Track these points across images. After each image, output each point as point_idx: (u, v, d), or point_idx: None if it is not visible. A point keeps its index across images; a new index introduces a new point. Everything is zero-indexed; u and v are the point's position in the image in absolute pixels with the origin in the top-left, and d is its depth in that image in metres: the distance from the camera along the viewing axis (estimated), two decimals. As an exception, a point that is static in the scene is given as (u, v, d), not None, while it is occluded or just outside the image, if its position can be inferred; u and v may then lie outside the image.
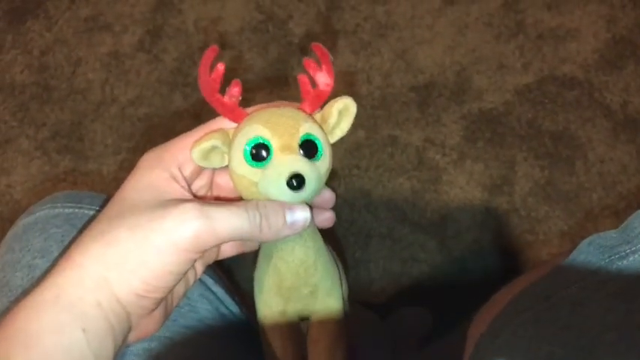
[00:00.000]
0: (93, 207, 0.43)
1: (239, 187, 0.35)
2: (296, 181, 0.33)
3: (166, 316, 0.38)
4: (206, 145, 0.34)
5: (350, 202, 0.86)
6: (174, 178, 0.35)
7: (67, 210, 0.42)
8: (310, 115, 0.36)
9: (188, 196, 0.35)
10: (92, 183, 0.91)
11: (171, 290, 0.34)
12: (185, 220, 0.31)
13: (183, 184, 0.35)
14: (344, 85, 0.92)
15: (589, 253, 0.38)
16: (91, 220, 0.41)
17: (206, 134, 0.34)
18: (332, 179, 0.86)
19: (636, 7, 0.94)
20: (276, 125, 0.34)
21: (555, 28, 0.94)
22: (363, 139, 0.89)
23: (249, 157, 0.33)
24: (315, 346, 0.40)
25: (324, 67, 0.35)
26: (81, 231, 0.38)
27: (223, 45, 0.97)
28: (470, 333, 0.57)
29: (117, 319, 0.32)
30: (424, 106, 0.91)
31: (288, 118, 0.34)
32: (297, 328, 0.40)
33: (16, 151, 0.94)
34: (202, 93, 0.34)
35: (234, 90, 0.34)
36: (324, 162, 0.35)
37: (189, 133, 0.36)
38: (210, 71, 0.34)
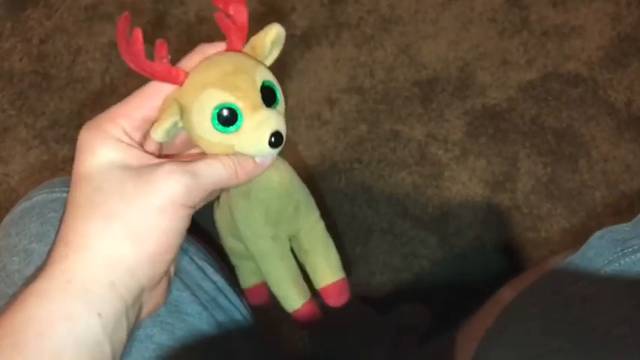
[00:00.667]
0: None
1: (210, 151, 0.35)
2: (276, 139, 0.34)
3: (169, 284, 0.38)
4: (168, 124, 0.33)
5: (351, 196, 0.85)
6: (128, 144, 0.34)
7: (64, 194, 0.41)
8: (251, 57, 0.35)
9: (155, 158, 0.35)
10: (90, 173, 0.90)
11: (179, 249, 0.35)
12: (174, 179, 0.32)
13: (140, 147, 0.35)
14: (347, 79, 0.92)
15: (600, 246, 0.37)
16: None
17: (160, 112, 0.34)
18: (333, 174, 0.86)
19: (641, 5, 0.94)
20: (235, 85, 0.34)
21: (560, 24, 0.94)
22: (365, 134, 0.89)
23: (219, 125, 0.34)
24: (310, 255, 0.42)
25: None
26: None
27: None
28: (467, 330, 0.56)
29: (131, 296, 0.32)
30: (427, 101, 0.91)
31: (241, 70, 0.34)
32: (290, 248, 0.42)
33: (14, 139, 0.93)
34: (129, 64, 0.33)
35: (162, 51, 0.34)
36: (282, 103, 0.36)
37: (125, 100, 0.36)
38: (129, 39, 0.32)
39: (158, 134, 0.33)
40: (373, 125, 0.89)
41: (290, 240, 0.42)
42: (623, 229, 0.38)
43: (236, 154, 0.35)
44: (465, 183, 0.86)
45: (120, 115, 0.35)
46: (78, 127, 1.02)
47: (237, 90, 0.34)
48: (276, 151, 0.35)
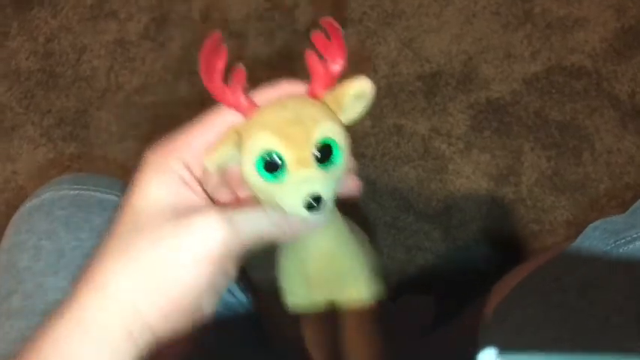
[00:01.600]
0: (98, 188, 0.43)
1: (253, 192, 0.33)
2: (313, 203, 0.30)
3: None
4: (221, 154, 0.31)
5: (355, 191, 0.86)
6: (185, 180, 0.32)
7: (72, 192, 0.42)
8: (322, 103, 0.33)
9: (203, 200, 0.33)
10: (97, 170, 0.91)
11: (213, 306, 0.32)
12: (211, 230, 0.30)
13: (196, 186, 0.33)
14: (350, 74, 0.92)
15: (595, 238, 0.38)
16: (98, 201, 0.41)
17: (218, 141, 0.32)
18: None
19: (646, -4, 0.94)
20: (287, 133, 0.31)
21: (564, 17, 0.93)
22: (369, 128, 0.89)
23: (262, 169, 0.31)
24: (348, 332, 0.38)
25: (334, 42, 0.32)
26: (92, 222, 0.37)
27: (229, 33, 0.97)
28: (471, 320, 0.56)
29: (148, 346, 0.30)
30: (431, 95, 0.91)
31: (299, 122, 0.31)
32: (328, 317, 0.38)
33: (21, 137, 0.94)
34: (205, 83, 0.32)
35: (238, 78, 0.32)
36: (342, 165, 0.32)
37: (194, 126, 0.33)
38: (213, 59, 0.31)
39: (209, 163, 0.31)
40: (377, 120, 0.90)
41: (330, 306, 0.39)
42: (616, 220, 0.38)
43: (278, 206, 0.32)
44: (469, 176, 0.86)
45: (183, 144, 0.33)
46: (84, 125, 1.03)
47: (288, 139, 0.31)
48: (316, 215, 0.31)
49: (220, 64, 0.31)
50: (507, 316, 0.40)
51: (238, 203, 0.34)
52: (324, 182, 0.31)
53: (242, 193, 0.36)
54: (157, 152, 0.33)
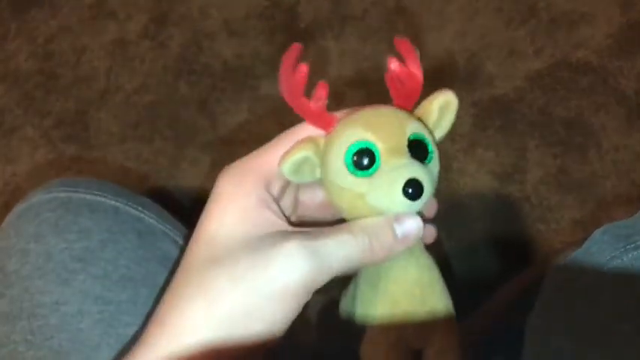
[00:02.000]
0: (89, 191, 0.42)
1: (340, 202, 0.31)
2: (413, 189, 0.28)
3: None
4: (298, 156, 0.30)
5: (357, 190, 0.85)
6: (265, 203, 0.30)
7: (62, 194, 0.41)
8: (411, 112, 0.31)
9: (284, 225, 0.30)
10: (97, 171, 0.90)
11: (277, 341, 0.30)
12: (293, 264, 0.28)
13: (275, 207, 0.31)
14: (352, 72, 0.91)
15: (603, 242, 0.36)
16: (88, 204, 0.40)
17: (295, 145, 0.31)
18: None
19: (652, -10, 0.92)
20: (379, 126, 0.30)
21: (568, 12, 0.92)
22: (371, 127, 0.88)
23: (352, 166, 0.29)
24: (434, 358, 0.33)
25: (410, 63, 0.31)
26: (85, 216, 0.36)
27: (229, 32, 0.96)
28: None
29: None
30: (434, 92, 0.90)
31: (390, 117, 0.30)
32: (408, 344, 0.34)
33: (21, 139, 0.93)
34: (285, 97, 0.30)
35: (321, 93, 0.30)
36: (435, 164, 0.31)
37: (270, 145, 0.32)
38: (293, 72, 0.30)
39: (285, 166, 0.30)
40: (379, 118, 0.89)
41: (415, 349, 0.34)
42: (626, 224, 0.37)
43: (367, 211, 0.30)
44: (473, 175, 0.85)
45: (260, 164, 0.31)
46: (84, 126, 1.03)
47: (380, 130, 0.29)
48: (414, 205, 0.29)
49: (302, 78, 0.30)
50: (512, 326, 0.39)
51: (320, 227, 0.31)
52: (422, 169, 0.29)
53: (320, 213, 0.35)
54: (231, 174, 0.31)
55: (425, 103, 0.32)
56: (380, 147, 0.29)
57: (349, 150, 0.29)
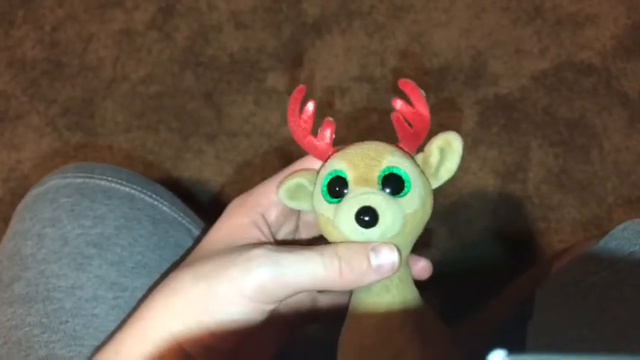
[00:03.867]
0: (104, 177, 0.42)
1: (319, 227, 0.32)
2: (365, 217, 0.28)
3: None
4: (291, 183, 0.32)
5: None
6: (255, 224, 0.32)
7: (77, 180, 0.42)
8: (402, 149, 0.32)
9: (267, 241, 0.32)
10: (102, 160, 0.90)
11: (242, 341, 0.31)
12: (250, 267, 0.29)
13: (265, 229, 0.33)
14: (358, 68, 0.91)
15: (623, 238, 0.37)
16: (103, 190, 0.41)
17: (291, 174, 0.33)
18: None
19: (657, -7, 0.93)
20: (355, 157, 0.31)
21: (574, 13, 0.93)
22: (376, 123, 0.88)
23: (326, 193, 0.30)
24: None
25: (416, 104, 0.32)
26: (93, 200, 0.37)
27: (236, 24, 0.96)
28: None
29: None
30: (438, 90, 0.90)
31: (370, 150, 0.31)
32: None
33: (26, 126, 0.94)
34: (293, 135, 0.32)
35: (327, 132, 0.32)
36: (411, 199, 0.30)
37: (273, 177, 0.34)
38: (299, 113, 0.32)
39: (280, 191, 0.32)
40: (384, 114, 0.89)
41: None
42: None
43: (337, 237, 0.30)
44: (476, 173, 0.85)
45: (262, 193, 0.34)
46: (89, 115, 1.03)
47: (354, 161, 0.30)
48: (369, 233, 0.29)
49: (309, 118, 0.32)
50: (525, 318, 0.39)
51: (299, 245, 0.33)
52: (383, 197, 0.29)
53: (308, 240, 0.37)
54: (237, 200, 0.34)
55: (427, 145, 0.32)
56: (350, 176, 0.30)
57: (325, 178, 0.31)
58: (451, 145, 0.32)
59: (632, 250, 0.36)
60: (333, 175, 0.31)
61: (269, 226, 0.34)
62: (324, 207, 0.31)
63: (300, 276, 0.29)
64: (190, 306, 0.30)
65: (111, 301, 0.38)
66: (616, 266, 0.36)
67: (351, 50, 0.93)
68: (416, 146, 0.33)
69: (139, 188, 0.42)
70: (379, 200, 0.29)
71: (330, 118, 0.33)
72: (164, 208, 0.43)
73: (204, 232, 0.47)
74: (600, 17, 0.92)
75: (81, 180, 0.41)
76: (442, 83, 0.90)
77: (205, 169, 0.89)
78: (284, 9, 0.96)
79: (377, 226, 0.29)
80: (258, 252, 0.30)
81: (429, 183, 0.33)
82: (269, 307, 0.31)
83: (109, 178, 0.42)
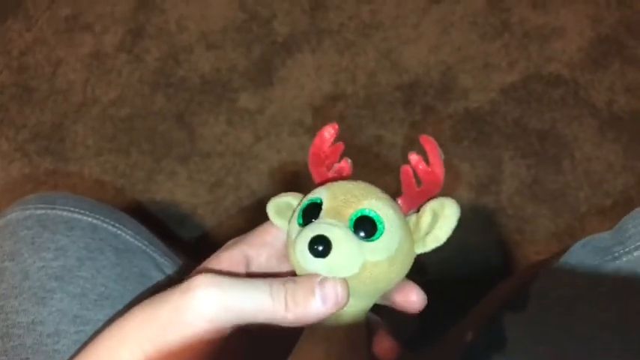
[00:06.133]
0: (66, 207, 0.42)
1: (286, 249, 0.32)
2: (318, 246, 0.27)
3: None
4: (281, 200, 0.32)
5: (335, 202, 0.85)
6: (241, 261, 0.32)
7: (38, 211, 0.41)
8: (397, 202, 0.31)
9: (239, 272, 0.32)
10: (73, 185, 0.89)
11: (211, 356, 0.31)
12: (189, 289, 0.28)
13: (253, 268, 0.33)
14: (329, 85, 0.91)
15: (583, 254, 0.37)
16: (65, 221, 0.40)
17: (284, 194, 0.33)
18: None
19: (621, 5, 0.94)
20: (339, 190, 0.30)
21: (541, 26, 0.94)
22: (348, 139, 0.88)
23: (301, 217, 0.30)
24: None
25: (432, 162, 0.31)
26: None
27: (207, 45, 0.96)
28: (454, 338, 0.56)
29: None
30: (409, 105, 0.91)
31: (358, 188, 0.30)
32: None
33: (-5, 153, 0.92)
34: (309, 160, 0.32)
35: (342, 167, 0.33)
36: (378, 249, 0.29)
37: (263, 227, 0.35)
38: (328, 144, 0.32)
39: (269, 207, 0.32)
40: (356, 131, 0.89)
41: None
42: (604, 237, 0.38)
43: (295, 263, 0.30)
44: (449, 186, 0.85)
45: (249, 238, 0.34)
46: (60, 139, 1.01)
47: (335, 193, 0.30)
48: (321, 263, 0.28)
49: (333, 154, 0.32)
50: (493, 335, 0.39)
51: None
52: (344, 236, 0.28)
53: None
54: (237, 238, 0.34)
55: (424, 204, 0.31)
56: (325, 206, 0.29)
57: (305, 202, 0.30)
58: (444, 209, 0.30)
59: (592, 265, 0.37)
60: (311, 202, 0.30)
61: (257, 266, 0.33)
62: (294, 229, 0.30)
63: (244, 301, 0.28)
64: (141, 331, 0.29)
65: (73, 335, 0.37)
66: (577, 282, 0.37)
67: (321, 68, 0.93)
68: (416, 206, 0.31)
69: (102, 218, 0.42)
70: (338, 233, 0.28)
71: (347, 160, 0.33)
72: (127, 237, 0.42)
73: (171, 260, 0.47)
74: (566, 30, 0.93)
75: (42, 211, 0.41)
76: (413, 98, 0.91)
77: (178, 190, 0.88)
78: (254, 28, 0.96)
79: (328, 257, 0.28)
80: (201, 277, 0.29)
81: (413, 245, 0.31)
82: (222, 329, 0.29)
83: (71, 209, 0.41)
